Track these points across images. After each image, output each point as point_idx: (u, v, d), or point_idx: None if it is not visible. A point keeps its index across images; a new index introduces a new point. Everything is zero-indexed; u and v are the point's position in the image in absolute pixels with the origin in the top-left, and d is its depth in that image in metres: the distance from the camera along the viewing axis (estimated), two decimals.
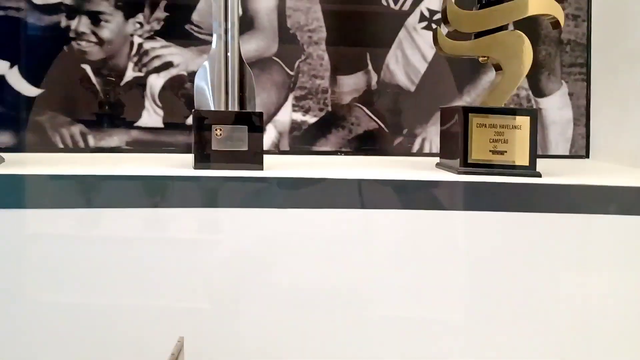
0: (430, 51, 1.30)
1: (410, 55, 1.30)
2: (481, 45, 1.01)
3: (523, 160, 0.98)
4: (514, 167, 0.98)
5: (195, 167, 0.89)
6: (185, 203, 0.81)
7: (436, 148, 1.31)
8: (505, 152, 0.98)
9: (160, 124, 1.16)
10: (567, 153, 1.38)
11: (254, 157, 0.91)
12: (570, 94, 1.37)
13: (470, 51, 1.03)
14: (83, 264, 0.78)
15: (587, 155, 1.38)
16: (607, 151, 1.34)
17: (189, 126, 1.18)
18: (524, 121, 0.98)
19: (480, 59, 1.03)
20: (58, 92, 1.11)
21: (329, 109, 1.26)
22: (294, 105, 1.24)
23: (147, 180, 0.82)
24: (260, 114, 0.91)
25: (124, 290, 0.79)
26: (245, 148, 0.91)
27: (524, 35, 1.00)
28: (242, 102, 0.94)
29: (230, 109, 0.93)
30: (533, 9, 1.01)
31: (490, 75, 1.32)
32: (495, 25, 1.00)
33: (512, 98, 1.33)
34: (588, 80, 1.38)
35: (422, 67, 1.30)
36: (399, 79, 1.30)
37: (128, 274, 0.79)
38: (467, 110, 0.98)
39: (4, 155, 0.93)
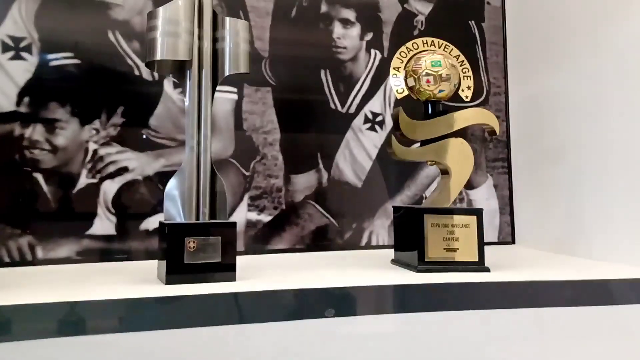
0: (374, 150, 1.39)
1: (357, 154, 1.38)
2: (430, 151, 1.10)
3: (472, 256, 1.06)
4: (466, 263, 1.05)
5: (167, 282, 0.87)
6: (163, 324, 0.79)
7: (382, 240, 1.38)
8: (458, 249, 1.06)
9: (113, 231, 1.13)
10: (495, 240, 1.49)
11: (227, 268, 0.91)
12: (495, 186, 1.51)
13: (421, 156, 1.12)
14: None
15: (513, 241, 1.51)
16: (531, 238, 1.47)
17: (142, 232, 1.16)
18: (471, 220, 1.07)
19: (429, 162, 1.12)
20: (6, 202, 1.05)
21: (283, 207, 1.29)
22: (249, 205, 1.26)
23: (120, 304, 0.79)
24: (234, 224, 0.93)
25: None
26: (219, 259, 0.91)
27: (465, 142, 1.11)
28: (212, 213, 0.95)
29: (201, 220, 0.93)
30: (474, 119, 1.13)
31: (427, 172, 1.43)
32: (441, 134, 1.10)
33: None
34: (509, 173, 1.52)
35: (368, 164, 1.38)
36: (347, 176, 1.36)
37: None
38: (421, 211, 1.05)
39: None
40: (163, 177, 1.18)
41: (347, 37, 1.40)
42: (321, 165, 1.34)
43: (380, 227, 1.38)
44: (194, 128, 0.94)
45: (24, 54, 1.09)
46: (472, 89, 1.13)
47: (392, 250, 1.15)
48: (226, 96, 1.26)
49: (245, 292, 0.84)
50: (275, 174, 1.29)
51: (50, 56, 1.11)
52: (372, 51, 1.41)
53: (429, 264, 1.03)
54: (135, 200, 1.16)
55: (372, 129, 1.39)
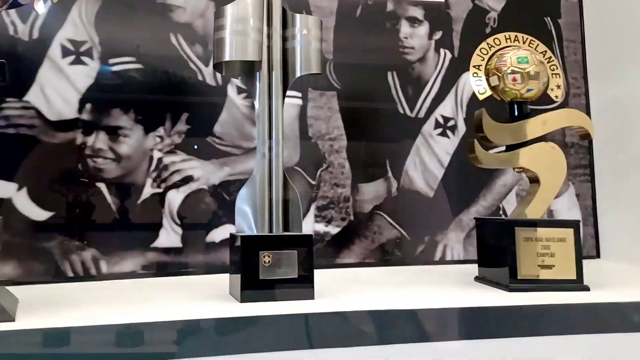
0: (446, 157, 1.30)
1: (428, 161, 1.29)
2: (517, 156, 1.00)
3: (570, 273, 0.96)
4: (562, 281, 0.95)
5: (242, 300, 0.80)
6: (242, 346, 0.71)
7: (457, 255, 1.28)
8: (553, 266, 0.95)
9: (179, 244, 1.07)
10: None
11: (305, 284, 0.83)
12: (577, 195, 1.39)
13: (507, 163, 1.02)
14: None
15: (597, 255, 1.39)
16: (617, 251, 1.35)
17: (208, 245, 1.09)
18: (567, 233, 0.97)
19: (516, 170, 1.02)
20: (69, 214, 1.00)
21: (351, 218, 1.21)
22: (316, 216, 1.19)
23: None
24: (310, 236, 0.85)
25: None
26: (295, 275, 0.83)
27: (557, 146, 1.00)
28: (286, 224, 0.87)
29: (274, 232, 0.86)
30: (567, 121, 1.03)
31: (504, 179, 1.33)
32: (531, 137, 1.00)
33: None
34: (592, 181, 1.41)
35: (440, 172, 1.29)
36: (418, 185, 1.28)
37: None
38: (512, 224, 0.96)
39: (9, 289, 0.81)
40: (228, 186, 1.11)
41: (415, 36, 1.31)
42: (390, 174, 1.26)
43: (455, 241, 1.29)
44: (265, 133, 0.88)
45: (84, 59, 1.04)
46: (562, 88, 1.03)
47: (470, 265, 1.06)
48: (291, 101, 1.19)
49: (329, 312, 0.77)
50: (342, 182, 1.21)
51: (112, 60, 1.06)
52: (442, 51, 1.32)
53: (521, 282, 0.93)
54: (201, 210, 1.10)
55: (443, 134, 1.30)
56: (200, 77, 1.12)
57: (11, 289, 0.86)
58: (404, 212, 1.25)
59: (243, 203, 0.87)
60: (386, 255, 1.22)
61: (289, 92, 1.19)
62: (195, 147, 1.11)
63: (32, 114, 0.99)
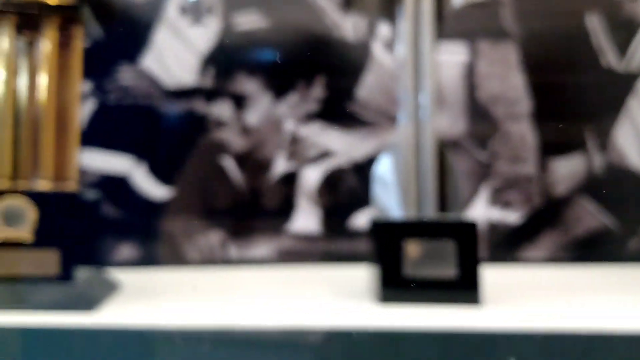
0: None
1: None
2: None
3: None
4: None
5: (383, 299, 0.61)
6: None
7: None
8: None
9: (316, 229, 0.91)
10: None
11: (466, 286, 0.61)
12: None
13: None
14: None
15: None
16: None
17: (349, 231, 0.91)
18: None
19: None
20: (193, 192, 0.90)
21: (538, 202, 0.94)
22: (489, 200, 0.94)
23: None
24: (473, 224, 0.62)
25: None
26: (453, 273, 0.61)
27: None
28: (441, 206, 0.65)
29: (425, 216, 0.64)
30: None
31: None
32: None
33: None
34: None
35: None
36: (631, 160, 0.95)
37: None
38: None
39: (126, 272, 0.72)
40: (374, 162, 0.92)
41: None
42: (590, 145, 0.95)
43: None
44: (410, 89, 0.66)
45: (204, 18, 0.93)
46: None
47: None
48: (451, 58, 0.96)
49: (504, 327, 0.53)
50: (523, 157, 0.94)
51: (235, 19, 0.93)
52: None
53: None
54: (342, 190, 0.92)
55: None
56: (336, 33, 0.94)
57: (130, 274, 0.78)
58: (611, 196, 0.94)
59: (383, 178, 0.68)
60: (585, 251, 0.93)
61: (450, 45, 0.97)
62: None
63: (148, 81, 0.90)
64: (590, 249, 0.94)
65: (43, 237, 0.55)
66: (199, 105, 0.91)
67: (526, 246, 0.94)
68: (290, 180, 0.92)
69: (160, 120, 0.90)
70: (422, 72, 0.67)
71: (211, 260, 0.88)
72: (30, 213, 0.55)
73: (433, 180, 0.66)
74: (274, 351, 0.52)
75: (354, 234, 0.92)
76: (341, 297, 0.66)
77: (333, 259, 0.91)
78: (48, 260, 0.55)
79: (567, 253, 0.94)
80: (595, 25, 0.98)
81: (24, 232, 0.55)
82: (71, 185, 0.60)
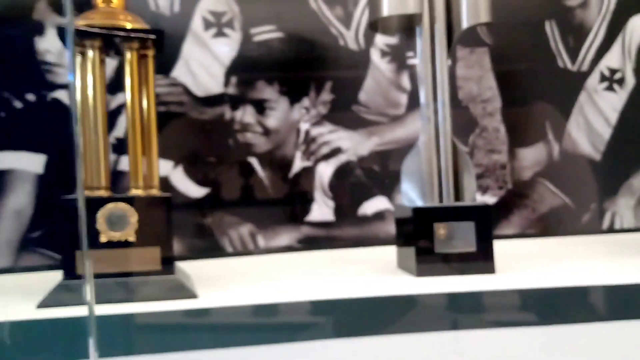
0: (613, 114, 1.15)
1: (593, 120, 1.14)
2: None
3: None
4: None
5: (419, 274, 0.74)
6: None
7: (627, 223, 1.14)
8: None
9: (331, 217, 1.03)
10: None
11: (484, 258, 0.76)
12: None
13: None
14: None
15: None
16: None
17: (359, 218, 1.04)
18: None
19: None
20: (224, 190, 0.99)
21: (509, 186, 1.11)
22: None
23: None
24: (488, 207, 0.77)
25: None
26: (473, 248, 0.76)
27: None
28: (457, 193, 0.80)
29: (445, 203, 0.78)
30: None
31: None
32: None
33: None
34: None
35: (607, 132, 1.15)
36: (582, 148, 1.14)
37: None
38: None
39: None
40: (377, 157, 1.05)
41: None
42: (551, 136, 1.13)
43: (625, 208, 1.14)
44: (429, 95, 0.80)
45: (226, 30, 1.01)
46: None
47: None
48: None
49: (522, 289, 0.68)
50: (497, 148, 1.11)
51: (253, 30, 1.02)
52: None
53: None
54: (351, 182, 1.04)
55: (609, 89, 1.15)
56: (341, 42, 1.05)
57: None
58: (567, 178, 1.13)
59: (409, 171, 0.81)
60: (548, 226, 1.11)
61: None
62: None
63: (179, 90, 0.98)
64: (552, 224, 1.12)
65: (145, 238, 0.64)
66: (226, 111, 1.00)
67: (502, 224, 1.11)
68: (307, 175, 1.03)
69: (192, 125, 0.98)
70: (437, 81, 0.80)
71: (245, 250, 0.99)
72: (132, 217, 0.64)
73: (451, 172, 0.80)
74: (343, 315, 0.64)
75: (363, 220, 1.05)
76: (377, 273, 0.79)
77: (347, 244, 1.03)
78: (151, 257, 0.64)
79: (535, 228, 1.12)
80: (552, 30, 1.15)
81: (128, 234, 0.64)
82: (156, 191, 0.68)
